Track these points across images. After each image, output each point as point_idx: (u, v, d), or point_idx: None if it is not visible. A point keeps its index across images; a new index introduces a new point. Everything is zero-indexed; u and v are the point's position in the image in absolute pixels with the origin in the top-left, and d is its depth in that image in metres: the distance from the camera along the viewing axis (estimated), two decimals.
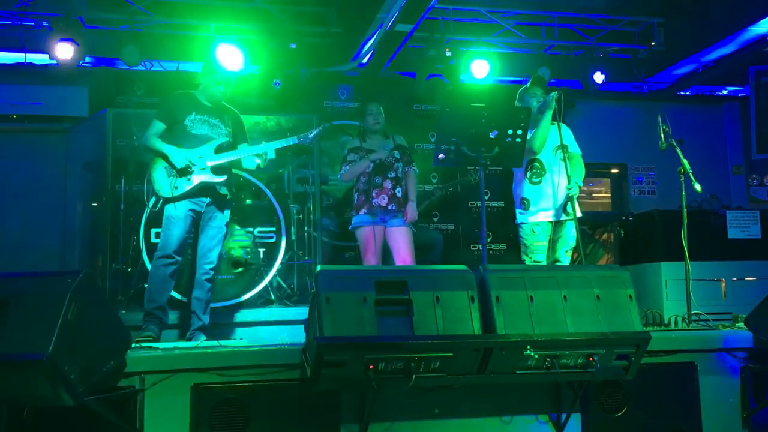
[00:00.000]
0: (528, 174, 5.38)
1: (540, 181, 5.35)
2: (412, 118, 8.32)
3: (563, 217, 5.29)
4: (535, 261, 5.31)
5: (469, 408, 3.81)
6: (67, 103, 7.43)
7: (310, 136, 5.31)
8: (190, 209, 5.02)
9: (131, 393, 3.46)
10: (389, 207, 5.53)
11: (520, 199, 5.44)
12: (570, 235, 5.35)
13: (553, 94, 5.28)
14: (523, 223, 5.41)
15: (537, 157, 5.34)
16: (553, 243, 5.37)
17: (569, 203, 5.24)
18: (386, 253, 5.67)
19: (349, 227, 5.72)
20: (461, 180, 8.00)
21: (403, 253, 5.57)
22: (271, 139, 5.32)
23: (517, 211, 5.47)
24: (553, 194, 5.30)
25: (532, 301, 3.50)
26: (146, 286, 5.11)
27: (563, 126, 5.48)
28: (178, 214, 4.98)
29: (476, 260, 7.78)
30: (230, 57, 6.80)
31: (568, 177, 5.20)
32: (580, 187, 5.36)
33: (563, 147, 5.29)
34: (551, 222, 5.32)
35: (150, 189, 5.07)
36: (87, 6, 6.84)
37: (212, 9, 7.22)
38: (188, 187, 4.99)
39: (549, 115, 5.28)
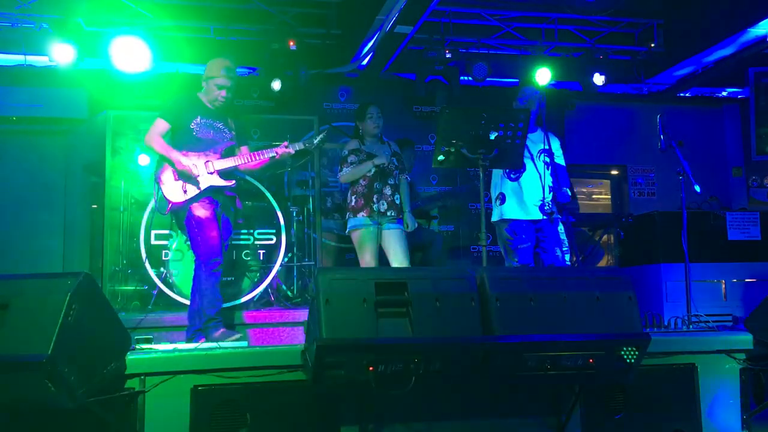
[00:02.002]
0: (506, 169, 5.32)
1: (518, 177, 5.30)
2: (412, 119, 8.32)
3: (543, 216, 5.23)
4: (521, 264, 5.25)
5: (469, 409, 3.81)
6: (67, 105, 7.43)
7: (315, 141, 5.32)
8: (215, 208, 4.98)
9: (131, 395, 3.46)
10: (388, 213, 5.56)
11: (497, 194, 5.36)
12: (559, 234, 5.30)
13: (536, 95, 5.33)
14: (501, 220, 5.33)
15: None
16: (541, 243, 5.33)
17: (551, 203, 5.20)
18: (381, 256, 5.68)
19: (346, 230, 5.73)
20: (465, 185, 7.98)
21: (401, 256, 5.59)
22: (271, 140, 5.31)
23: (494, 208, 5.39)
24: (532, 191, 5.26)
25: (531, 303, 3.51)
26: (146, 287, 5.09)
27: (552, 137, 5.44)
28: (208, 215, 4.91)
29: (476, 262, 7.78)
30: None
31: (548, 186, 5.18)
32: (569, 195, 5.34)
33: (548, 153, 5.28)
34: (532, 221, 5.28)
35: (159, 193, 4.99)
36: (87, 8, 6.83)
37: (212, 10, 7.22)
38: (197, 191, 4.96)
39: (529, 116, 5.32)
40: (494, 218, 5.40)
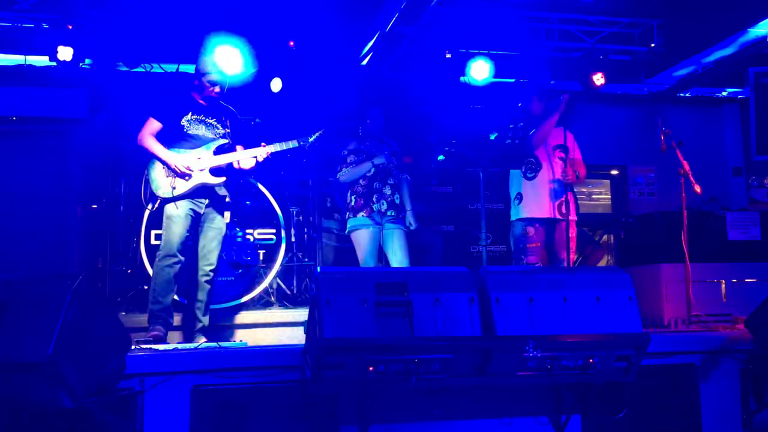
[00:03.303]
0: (523, 168, 5.39)
1: (534, 176, 5.36)
2: (412, 119, 8.31)
3: (558, 216, 5.29)
4: (527, 264, 5.30)
5: (469, 410, 3.81)
6: (67, 105, 7.42)
7: (310, 139, 5.32)
8: (190, 209, 5.03)
9: (131, 395, 3.46)
10: (388, 213, 5.56)
11: (515, 194, 5.45)
12: (568, 235, 5.33)
13: (564, 97, 5.35)
14: (517, 219, 5.40)
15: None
16: (551, 244, 5.37)
17: (565, 204, 5.23)
18: (381, 256, 5.69)
19: (346, 230, 5.74)
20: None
21: (401, 256, 5.60)
22: (270, 140, 5.32)
23: (512, 207, 5.47)
24: (549, 190, 5.30)
25: (531, 303, 3.51)
26: (146, 287, 5.11)
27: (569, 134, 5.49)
28: (178, 213, 4.99)
29: (476, 262, 7.78)
30: (229, 59, 6.77)
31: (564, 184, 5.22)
32: (578, 177, 5.34)
33: (565, 148, 5.30)
34: (546, 219, 5.31)
35: (148, 189, 5.06)
36: (87, 8, 6.83)
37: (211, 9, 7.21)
38: (186, 188, 5.00)
39: (555, 116, 5.33)
40: (512, 217, 5.47)
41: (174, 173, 4.98)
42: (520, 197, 5.39)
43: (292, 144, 5.28)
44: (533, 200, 5.35)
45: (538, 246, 5.34)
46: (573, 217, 5.33)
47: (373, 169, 5.57)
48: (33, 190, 7.41)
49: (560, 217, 5.29)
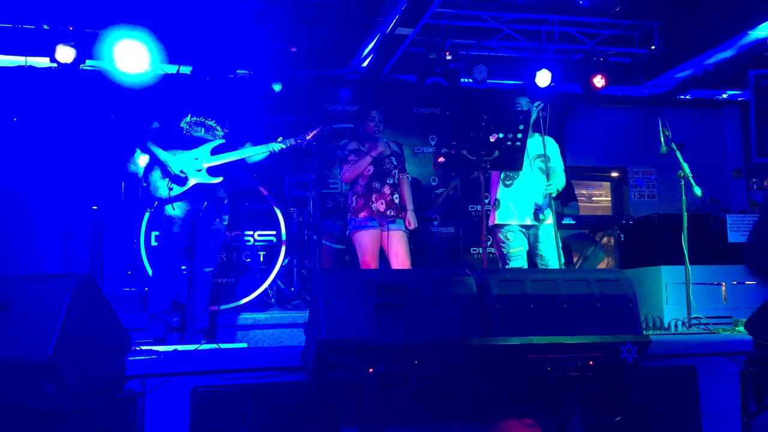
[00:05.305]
0: (502, 176, 5.44)
1: (512, 184, 5.41)
2: (412, 121, 8.32)
3: (535, 222, 5.33)
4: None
5: (469, 411, 3.81)
6: (67, 106, 7.44)
7: (308, 137, 5.32)
8: (188, 210, 5.03)
9: (131, 396, 3.46)
10: (388, 212, 5.56)
11: (493, 200, 5.48)
12: (551, 237, 5.36)
13: (535, 104, 5.39)
14: (495, 225, 5.43)
15: None
16: (535, 248, 5.40)
17: (544, 210, 5.26)
18: (382, 257, 5.69)
19: (347, 231, 5.74)
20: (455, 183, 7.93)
21: (401, 257, 5.60)
22: (270, 140, 5.32)
23: (491, 212, 5.49)
24: (525, 197, 5.34)
25: (532, 305, 3.51)
26: (146, 288, 5.11)
27: (550, 140, 5.52)
28: (177, 215, 4.99)
29: (477, 263, 7.78)
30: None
31: (544, 192, 5.25)
32: (558, 190, 5.38)
33: (546, 157, 5.33)
34: (524, 226, 5.35)
35: (146, 191, 5.06)
36: (87, 9, 6.84)
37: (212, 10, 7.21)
38: (184, 189, 5.00)
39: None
40: (490, 222, 5.47)
41: (170, 175, 4.99)
42: (497, 204, 5.42)
43: (290, 142, 5.28)
44: (509, 207, 5.38)
45: (521, 251, 5.37)
46: (550, 221, 5.36)
47: (372, 169, 5.58)
48: (33, 189, 7.42)
49: (537, 223, 5.34)
